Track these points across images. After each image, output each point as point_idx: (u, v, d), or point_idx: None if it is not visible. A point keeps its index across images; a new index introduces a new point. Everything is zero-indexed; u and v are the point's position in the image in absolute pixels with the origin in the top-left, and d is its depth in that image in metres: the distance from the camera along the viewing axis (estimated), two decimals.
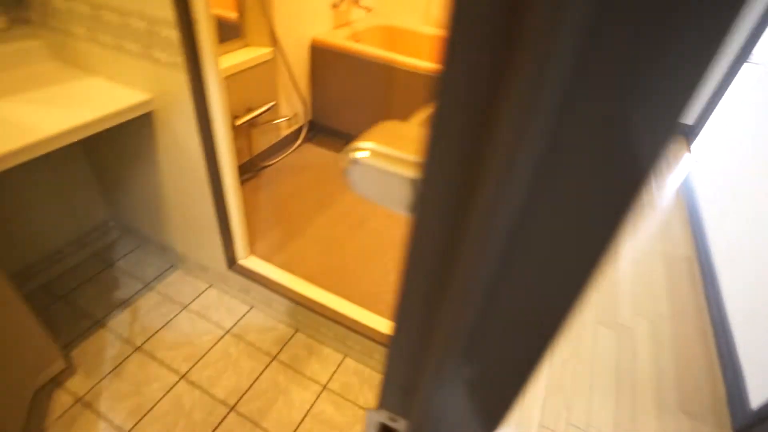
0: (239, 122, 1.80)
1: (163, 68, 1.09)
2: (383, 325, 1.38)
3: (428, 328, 0.30)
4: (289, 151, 2.34)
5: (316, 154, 2.39)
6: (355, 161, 0.29)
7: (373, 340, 1.36)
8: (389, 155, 0.28)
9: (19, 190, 1.36)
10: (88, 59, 1.21)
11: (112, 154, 1.45)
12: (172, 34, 1.02)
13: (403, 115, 2.22)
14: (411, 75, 2.08)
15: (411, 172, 0.28)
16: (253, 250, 1.65)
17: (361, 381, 1.40)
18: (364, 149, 0.29)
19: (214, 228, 1.40)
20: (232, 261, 1.50)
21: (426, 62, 2.05)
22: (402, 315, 0.31)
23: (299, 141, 2.40)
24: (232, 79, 1.77)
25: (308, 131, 2.49)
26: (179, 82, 1.09)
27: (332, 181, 2.19)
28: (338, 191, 2.12)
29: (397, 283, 0.29)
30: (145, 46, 1.08)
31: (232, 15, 1.84)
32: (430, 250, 0.26)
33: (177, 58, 1.05)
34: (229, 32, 1.82)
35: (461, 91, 0.20)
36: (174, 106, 1.16)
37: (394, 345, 0.34)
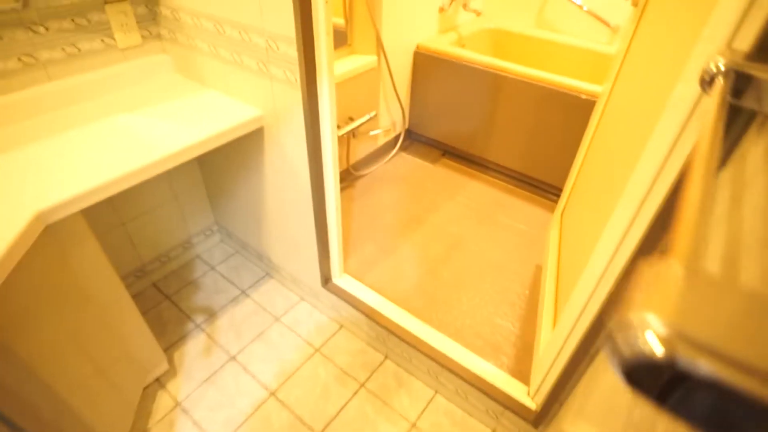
0: (341, 132, 1.77)
1: (279, 84, 1.06)
2: (480, 367, 1.25)
3: None
4: (385, 160, 2.28)
5: (411, 164, 2.30)
6: (666, 360, 0.17)
7: (468, 382, 1.24)
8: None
9: (138, 195, 1.43)
10: (208, 73, 1.22)
11: (221, 164, 1.48)
12: (290, 50, 0.97)
13: (508, 130, 2.05)
14: (519, 84, 1.90)
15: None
16: (346, 266, 1.60)
17: (452, 423, 1.29)
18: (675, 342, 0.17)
19: (312, 245, 1.37)
20: (326, 279, 1.46)
21: (536, 70, 1.86)
22: None
23: (395, 150, 2.33)
24: (337, 88, 1.73)
25: (404, 140, 2.41)
26: (293, 99, 1.06)
27: (427, 194, 2.09)
28: (433, 206, 2.01)
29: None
30: (262, 62, 1.05)
31: (338, 21, 1.80)
32: None
33: (293, 75, 1.01)
34: (335, 39, 1.80)
35: None
36: (285, 122, 1.13)
37: None
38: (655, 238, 0.67)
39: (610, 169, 1.00)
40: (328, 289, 1.46)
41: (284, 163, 1.24)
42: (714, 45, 0.53)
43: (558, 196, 2.08)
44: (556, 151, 1.95)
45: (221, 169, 1.51)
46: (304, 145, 1.13)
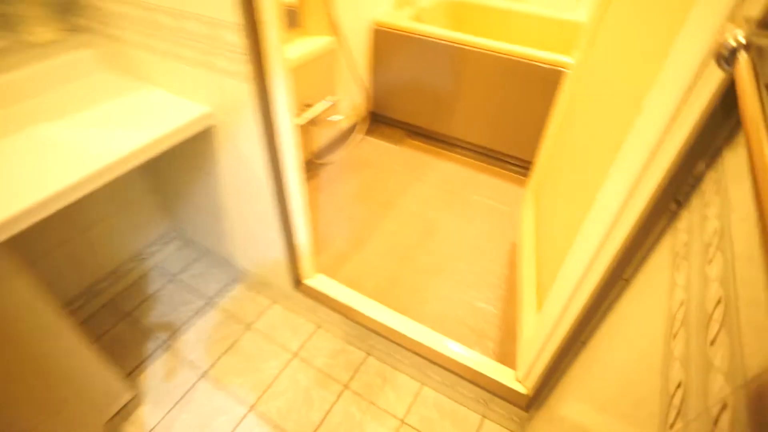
0: (299, 122, 1.66)
1: (226, 77, 0.94)
2: (465, 356, 1.22)
3: None
4: (349, 146, 2.18)
5: (377, 148, 2.22)
6: None
7: (454, 373, 1.20)
8: None
9: (77, 210, 1.28)
10: (144, 69, 1.08)
11: (173, 168, 1.35)
12: (234, 38, 0.86)
13: (473, 105, 1.99)
14: (481, 57, 1.84)
15: None
16: (318, 263, 1.52)
17: (442, 415, 1.26)
18: None
19: (279, 246, 1.28)
20: (297, 281, 1.38)
21: (499, 42, 1.79)
22: None
23: (359, 134, 2.23)
24: (292, 74, 1.61)
25: (368, 123, 2.31)
26: (243, 92, 0.94)
27: (395, 178, 2.02)
28: (403, 190, 1.95)
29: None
30: (205, 53, 0.93)
31: (288, 0, 1.66)
32: None
33: (241, 66, 0.90)
34: (285, 21, 1.66)
35: None
36: (237, 117, 1.02)
37: None
38: (663, 208, 0.63)
39: (592, 140, 0.95)
40: (301, 291, 1.38)
41: (240, 162, 1.13)
42: (714, 9, 0.47)
43: (527, 169, 2.06)
44: (524, 125, 1.92)
45: (173, 173, 1.38)
46: (261, 141, 1.02)
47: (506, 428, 1.22)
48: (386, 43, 2.04)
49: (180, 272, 1.61)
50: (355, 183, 1.98)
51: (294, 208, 1.17)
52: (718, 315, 0.39)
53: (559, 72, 1.70)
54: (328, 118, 1.88)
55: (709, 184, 0.54)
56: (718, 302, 0.39)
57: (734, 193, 0.45)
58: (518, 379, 1.15)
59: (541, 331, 0.99)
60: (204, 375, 1.31)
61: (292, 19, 1.66)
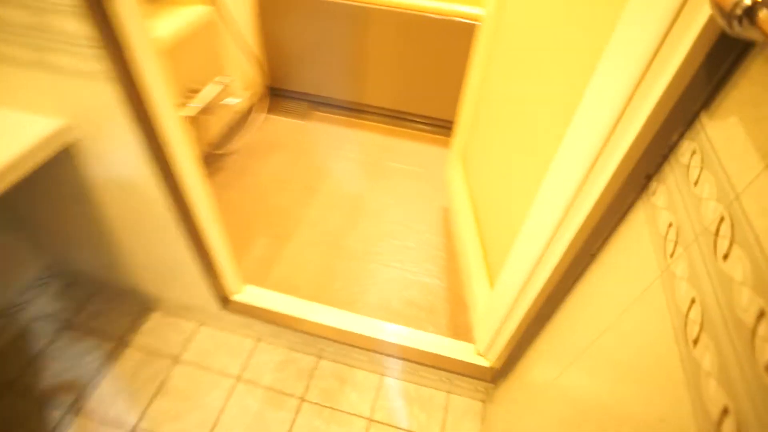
0: (186, 113, 1.40)
1: (79, 80, 0.71)
2: (421, 340, 1.17)
3: None
4: (251, 128, 1.94)
5: (282, 126, 2.01)
6: None
7: (412, 361, 1.15)
8: None
9: None
10: None
11: (33, 200, 1.06)
12: (74, 26, 0.63)
13: (380, 67, 1.86)
14: (383, 14, 1.70)
15: None
16: (243, 273, 1.35)
17: (408, 401, 1.21)
18: None
19: (192, 265, 1.08)
20: (224, 299, 1.20)
21: None
22: None
23: (260, 114, 1.99)
24: (167, 57, 1.33)
25: (267, 100, 2.07)
26: (106, 95, 0.72)
27: (309, 157, 1.85)
28: (319, 169, 1.79)
29: None
30: (36, 49, 0.69)
31: None
32: None
33: (94, 63, 0.67)
34: None
35: None
36: (106, 127, 0.79)
37: None
38: (634, 181, 0.57)
39: (531, 97, 0.88)
40: (231, 310, 1.21)
41: (121, 179, 0.90)
42: None
43: (446, 128, 2.00)
44: (438, 83, 1.84)
45: (38, 206, 1.09)
46: (142, 149, 0.81)
47: (473, 398, 1.22)
48: (275, 7, 1.79)
49: (72, 316, 1.33)
50: (266, 170, 1.78)
51: (201, 217, 0.98)
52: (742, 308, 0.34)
53: (470, 25, 1.62)
54: (223, 102, 1.63)
55: (688, 157, 0.49)
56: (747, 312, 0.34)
57: (738, 175, 0.40)
58: (479, 353, 1.13)
59: (498, 309, 0.96)
60: (134, 431, 1.11)
61: None
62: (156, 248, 1.08)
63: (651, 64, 0.49)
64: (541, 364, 0.84)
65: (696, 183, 0.47)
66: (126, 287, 1.31)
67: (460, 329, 1.29)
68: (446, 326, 1.30)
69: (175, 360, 1.26)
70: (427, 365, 1.13)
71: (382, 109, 2.03)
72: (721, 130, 0.44)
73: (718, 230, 0.41)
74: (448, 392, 1.24)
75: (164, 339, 1.30)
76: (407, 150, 1.94)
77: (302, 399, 1.20)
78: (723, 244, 0.40)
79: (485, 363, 1.11)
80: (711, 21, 0.42)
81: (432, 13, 1.63)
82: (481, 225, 1.24)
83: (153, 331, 1.32)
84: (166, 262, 1.12)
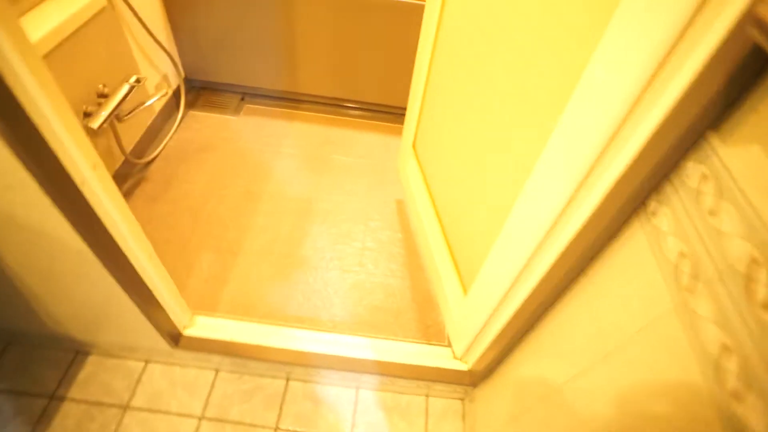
0: (95, 123, 1.19)
1: None
2: (393, 351, 1.13)
3: None
4: (173, 128, 1.73)
5: (209, 122, 1.81)
6: None
7: (388, 375, 1.12)
8: None
9: None
10: None
11: None
12: None
13: (314, 52, 1.72)
14: None
15: None
16: (190, 301, 1.21)
17: (388, 412, 1.18)
18: None
19: (126, 303, 0.94)
20: (173, 336, 1.07)
21: None
22: None
23: (180, 112, 1.77)
24: (54, 57, 1.11)
25: (186, 94, 1.85)
26: None
27: (245, 156, 1.69)
28: (259, 170, 1.65)
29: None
30: None
31: None
32: None
33: None
34: None
35: None
36: None
37: None
38: (633, 203, 0.55)
39: (500, 87, 0.82)
40: (183, 347, 1.08)
41: (16, 216, 0.73)
42: None
43: (390, 114, 1.91)
44: (380, 67, 1.73)
45: None
46: (31, 179, 0.64)
47: (453, 398, 1.21)
48: None
49: None
50: (199, 176, 1.60)
51: (127, 247, 0.83)
52: None
53: (413, 4, 1.52)
54: (143, 106, 1.41)
55: (697, 181, 0.46)
56: None
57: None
58: (457, 357, 1.11)
59: (475, 317, 0.93)
60: None
61: None
62: (79, 292, 0.92)
63: (669, 56, 0.44)
64: (528, 363, 0.82)
65: (712, 213, 0.44)
66: (49, 333, 1.12)
67: (431, 329, 1.27)
68: (416, 329, 1.27)
69: (125, 407, 1.11)
70: (405, 377, 1.10)
71: (320, 96, 1.90)
72: (742, 160, 0.41)
73: (750, 273, 0.39)
74: (427, 395, 1.22)
75: (107, 386, 1.15)
76: (350, 140, 1.83)
77: (276, 428, 1.12)
78: (761, 291, 0.38)
79: (464, 367, 1.09)
80: (738, 30, 0.37)
81: None
82: (443, 220, 1.20)
83: (92, 379, 1.15)
84: (94, 305, 0.96)
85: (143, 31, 1.45)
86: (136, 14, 1.38)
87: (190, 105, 1.85)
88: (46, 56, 1.07)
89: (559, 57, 0.62)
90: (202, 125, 1.79)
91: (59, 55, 1.12)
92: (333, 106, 1.93)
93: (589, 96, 0.53)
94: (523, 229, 0.70)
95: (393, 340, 1.17)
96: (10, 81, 0.52)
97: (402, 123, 1.55)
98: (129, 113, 1.37)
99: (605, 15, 0.51)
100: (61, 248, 0.78)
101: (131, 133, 1.51)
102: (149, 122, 1.63)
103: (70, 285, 0.90)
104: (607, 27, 0.49)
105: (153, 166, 1.60)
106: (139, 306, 0.94)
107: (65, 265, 0.83)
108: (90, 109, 1.23)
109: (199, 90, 1.91)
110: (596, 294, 0.64)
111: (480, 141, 0.91)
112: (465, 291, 1.03)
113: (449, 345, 1.15)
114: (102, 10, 1.27)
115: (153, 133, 1.66)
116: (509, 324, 0.84)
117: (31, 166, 0.61)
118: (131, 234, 0.80)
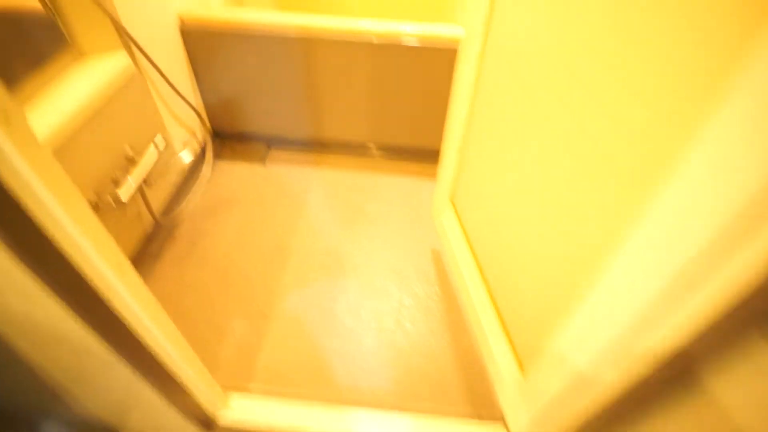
0: (125, 196, 1.15)
1: None
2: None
3: None
4: (202, 183, 1.69)
5: (237, 174, 1.77)
6: None
7: None
8: None
9: None
10: None
11: None
12: None
13: (340, 97, 1.67)
14: (334, 45, 1.51)
15: None
16: (223, 375, 1.13)
17: None
18: None
19: (147, 392, 0.86)
20: (206, 422, 0.99)
21: (350, 20, 1.48)
22: None
23: (208, 166, 1.75)
24: (85, 130, 1.08)
25: (214, 147, 1.83)
26: None
27: (273, 208, 1.64)
28: (287, 222, 1.59)
29: None
30: None
31: (30, 3, 1.07)
32: None
33: None
34: (38, 41, 1.08)
35: None
36: None
37: None
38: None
39: (566, 137, 0.73)
40: None
41: (26, 319, 0.67)
42: None
43: (422, 157, 1.84)
44: (405, 109, 1.68)
45: None
46: (36, 287, 0.57)
47: None
48: (205, 44, 1.55)
49: None
50: (226, 232, 1.55)
51: (153, 340, 0.75)
52: None
53: (440, 50, 1.46)
54: (171, 166, 1.38)
55: None
56: None
57: None
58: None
59: (537, 402, 0.82)
60: None
61: (51, 36, 1.10)
62: (101, 390, 0.85)
63: None
64: None
65: None
66: (77, 420, 1.06)
67: (477, 398, 1.16)
68: (464, 397, 1.16)
69: None
70: None
71: (347, 141, 1.85)
72: None
73: None
74: None
75: None
76: (379, 184, 1.77)
77: None
78: None
79: None
80: None
81: (389, 38, 1.47)
82: (488, 279, 1.10)
83: None
84: (118, 398, 0.89)
85: (170, 90, 1.44)
86: (163, 75, 1.36)
87: (218, 156, 1.82)
88: (78, 130, 1.05)
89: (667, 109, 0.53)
90: (229, 177, 1.76)
91: (90, 126, 1.10)
92: (359, 148, 1.87)
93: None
94: (607, 313, 0.59)
95: (440, 417, 1.06)
96: (20, 194, 0.46)
97: (431, 163, 1.47)
98: (158, 176, 1.34)
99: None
100: (77, 350, 0.71)
101: (159, 194, 1.48)
102: (178, 180, 1.60)
103: (92, 386, 0.83)
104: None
105: (181, 225, 1.56)
106: (163, 395, 0.86)
107: (87, 368, 0.77)
108: (118, 174, 1.20)
109: (224, 140, 1.89)
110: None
111: (527, 188, 0.82)
112: (522, 368, 0.92)
113: (502, 420, 1.04)
114: (130, 75, 1.25)
115: (181, 189, 1.63)
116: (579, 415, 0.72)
117: (49, 283, 0.55)
118: (158, 328, 0.73)
